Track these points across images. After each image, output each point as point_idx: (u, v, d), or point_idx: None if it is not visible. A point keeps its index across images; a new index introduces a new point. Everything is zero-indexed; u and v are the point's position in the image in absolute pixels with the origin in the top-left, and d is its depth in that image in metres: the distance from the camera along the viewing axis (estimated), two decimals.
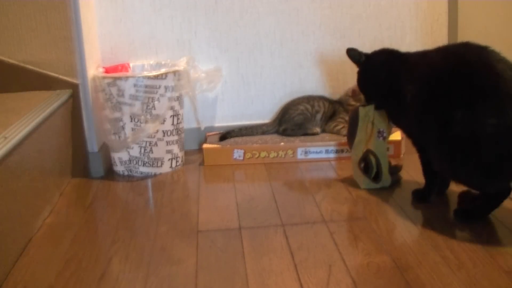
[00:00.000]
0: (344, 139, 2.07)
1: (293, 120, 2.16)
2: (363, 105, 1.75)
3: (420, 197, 1.64)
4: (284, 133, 2.17)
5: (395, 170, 1.81)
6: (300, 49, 2.25)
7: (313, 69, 2.28)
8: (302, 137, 2.13)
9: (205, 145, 2.08)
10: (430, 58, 1.50)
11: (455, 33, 2.25)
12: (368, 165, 1.75)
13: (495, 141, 1.31)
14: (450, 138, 1.37)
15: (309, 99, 2.21)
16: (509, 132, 1.30)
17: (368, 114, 1.72)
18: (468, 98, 1.34)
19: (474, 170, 1.37)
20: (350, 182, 1.82)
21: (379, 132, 1.72)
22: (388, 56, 1.67)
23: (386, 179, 1.75)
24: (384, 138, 1.73)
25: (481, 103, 1.32)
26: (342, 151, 2.05)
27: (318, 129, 2.18)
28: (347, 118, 2.19)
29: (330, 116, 2.21)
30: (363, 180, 1.76)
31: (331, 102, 2.24)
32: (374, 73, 1.69)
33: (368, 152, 1.73)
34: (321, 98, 2.23)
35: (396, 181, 1.78)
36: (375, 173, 1.74)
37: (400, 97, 1.54)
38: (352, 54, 1.73)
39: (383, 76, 1.64)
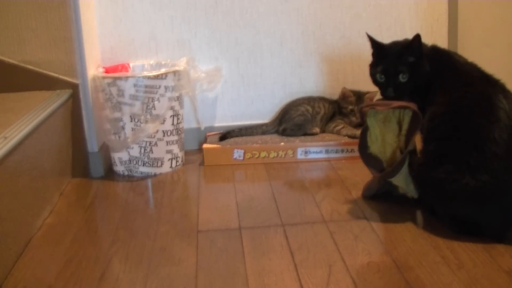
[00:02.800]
0: (344, 139, 2.07)
1: (293, 121, 2.16)
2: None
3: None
4: (284, 133, 2.17)
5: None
6: (300, 49, 2.25)
7: (313, 69, 2.28)
8: (302, 137, 2.13)
9: (205, 145, 2.08)
10: (473, 82, 1.45)
11: (455, 33, 2.25)
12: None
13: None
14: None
15: (309, 100, 2.21)
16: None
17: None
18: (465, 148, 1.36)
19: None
20: (350, 182, 1.82)
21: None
22: (436, 57, 1.59)
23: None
24: None
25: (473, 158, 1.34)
26: (342, 151, 2.05)
27: (317, 129, 2.18)
28: (345, 119, 2.19)
29: (330, 117, 2.21)
30: (414, 187, 1.54)
31: (331, 102, 2.23)
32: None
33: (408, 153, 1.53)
34: (322, 99, 2.23)
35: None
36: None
37: (432, 93, 1.51)
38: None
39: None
